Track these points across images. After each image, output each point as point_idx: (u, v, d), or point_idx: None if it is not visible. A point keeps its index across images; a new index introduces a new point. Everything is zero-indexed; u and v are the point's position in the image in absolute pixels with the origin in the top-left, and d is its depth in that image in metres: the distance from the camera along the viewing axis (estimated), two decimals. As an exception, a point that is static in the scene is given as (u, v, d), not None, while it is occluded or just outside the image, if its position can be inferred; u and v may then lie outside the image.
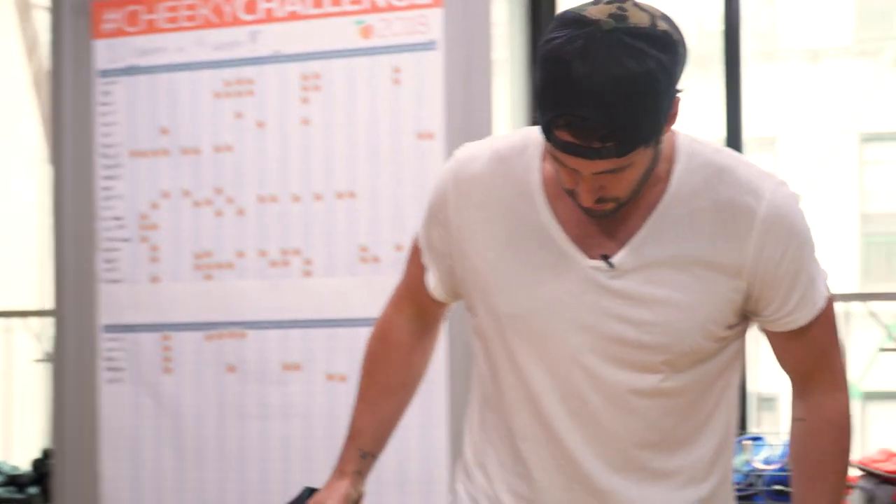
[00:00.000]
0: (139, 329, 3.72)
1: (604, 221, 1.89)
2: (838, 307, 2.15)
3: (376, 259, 3.58)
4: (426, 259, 2.07)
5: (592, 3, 1.71)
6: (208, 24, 3.65)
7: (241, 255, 3.63)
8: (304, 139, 3.61)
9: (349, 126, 3.58)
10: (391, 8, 3.51)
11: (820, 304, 1.90)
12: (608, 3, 1.70)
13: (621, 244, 1.86)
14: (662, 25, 1.69)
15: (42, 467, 4.14)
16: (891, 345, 3.75)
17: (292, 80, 3.60)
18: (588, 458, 1.93)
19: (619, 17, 1.67)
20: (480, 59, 3.48)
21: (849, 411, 2.01)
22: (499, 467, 2.04)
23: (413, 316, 2.15)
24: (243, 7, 3.65)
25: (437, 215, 2.02)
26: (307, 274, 3.60)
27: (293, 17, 3.59)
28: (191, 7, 3.69)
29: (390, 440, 2.20)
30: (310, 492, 2.22)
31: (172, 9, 3.70)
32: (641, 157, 1.76)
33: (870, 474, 3.40)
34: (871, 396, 9.57)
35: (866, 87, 11.43)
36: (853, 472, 3.39)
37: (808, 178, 10.95)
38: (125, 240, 3.75)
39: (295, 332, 3.62)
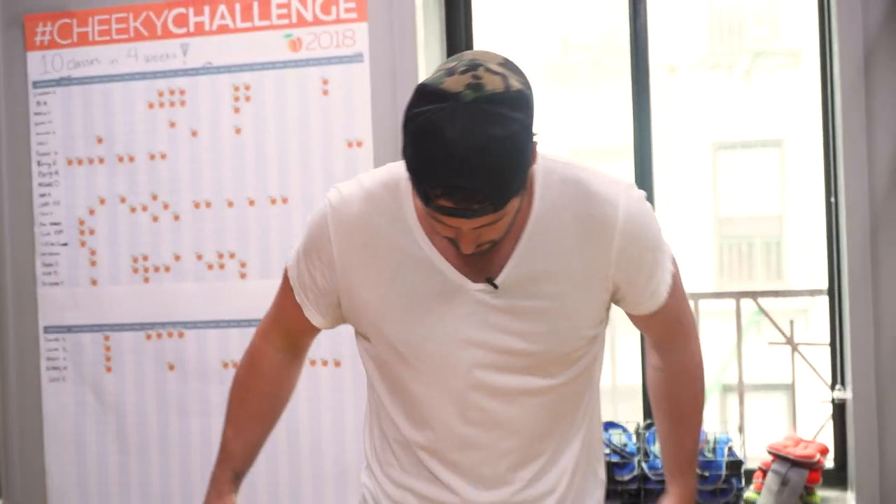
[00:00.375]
0: (79, 330, 3.78)
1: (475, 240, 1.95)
2: (696, 305, 2.36)
3: None
4: (302, 297, 2.11)
5: (447, 74, 1.76)
6: (140, 37, 3.70)
7: (177, 258, 3.70)
8: (236, 147, 3.68)
9: (280, 134, 3.66)
10: (318, 22, 3.59)
11: (669, 282, 2.06)
12: (462, 73, 1.75)
13: (500, 266, 1.95)
14: (515, 84, 1.77)
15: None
16: (777, 339, 3.94)
17: (224, 91, 3.67)
18: (490, 460, 2.05)
19: (476, 87, 1.74)
20: (406, 69, 3.56)
21: (701, 361, 2.19)
22: (401, 473, 2.13)
23: (283, 347, 2.20)
24: (173, 21, 3.71)
25: (319, 257, 2.05)
26: (243, 276, 3.68)
27: (223, 30, 3.65)
28: (122, 21, 3.72)
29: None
30: None
31: (104, 22, 3.72)
32: (513, 204, 1.85)
33: (782, 458, 3.54)
34: (729, 389, 9.89)
35: (719, 98, 11.97)
36: (766, 458, 3.57)
37: (668, 185, 11.38)
38: (63, 244, 3.79)
39: (233, 332, 3.67)
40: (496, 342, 1.99)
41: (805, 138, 10.01)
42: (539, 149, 1.88)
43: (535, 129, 1.81)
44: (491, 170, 1.73)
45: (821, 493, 3.50)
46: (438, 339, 2.00)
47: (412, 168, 1.78)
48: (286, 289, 2.13)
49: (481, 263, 1.97)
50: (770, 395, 8.78)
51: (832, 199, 3.67)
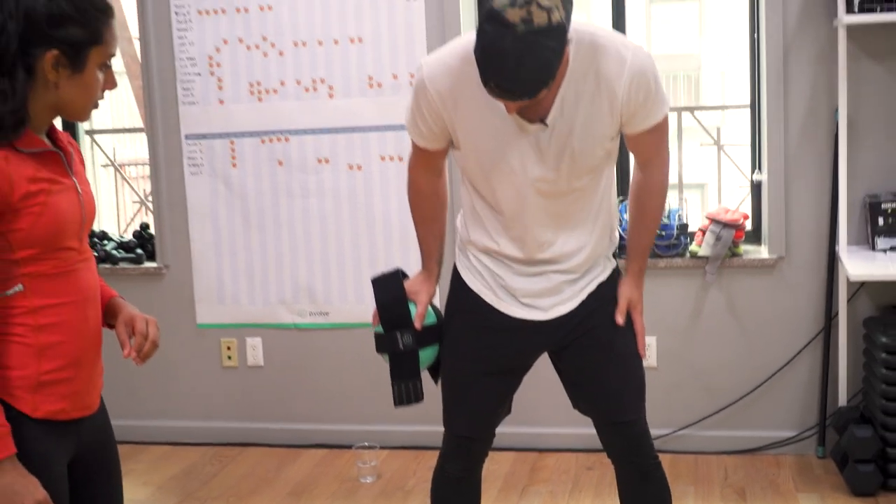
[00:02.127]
0: (211, 137, 4.44)
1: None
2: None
3: (380, 85, 4.27)
4: (419, 138, 2.45)
5: (510, 5, 2.01)
6: None
7: (282, 83, 4.33)
8: (324, 0, 4.26)
9: None
10: None
11: (663, 113, 2.37)
12: (520, 7, 2.01)
13: (547, 111, 2.27)
14: (556, 18, 2.02)
15: (142, 237, 4.70)
16: (706, 141, 4.53)
17: None
18: (536, 234, 2.43)
19: (527, 22, 2.01)
20: None
21: (666, 184, 2.55)
22: (487, 238, 2.50)
23: (424, 170, 2.55)
24: None
25: (428, 111, 2.36)
26: (330, 96, 4.31)
27: None
28: None
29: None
30: (402, 274, 2.61)
31: None
32: (544, 92, 2.14)
33: (716, 222, 4.07)
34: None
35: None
36: (704, 222, 4.12)
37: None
38: (197, 74, 4.40)
39: (324, 137, 4.34)
40: (546, 158, 2.34)
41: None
42: (572, 21, 2.13)
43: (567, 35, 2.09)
44: (527, 81, 2.07)
45: (743, 246, 4.19)
46: (514, 155, 2.34)
47: (478, 65, 2.10)
48: (415, 149, 2.51)
49: (535, 111, 2.28)
50: (701, 190, 9.40)
51: (755, 36, 4.23)
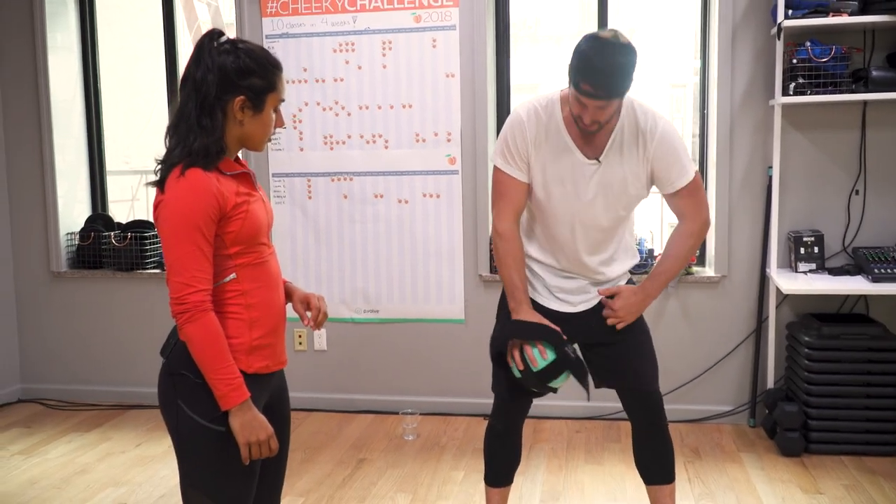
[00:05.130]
0: (293, 175, 4.55)
1: (591, 141, 2.28)
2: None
3: (424, 140, 4.37)
4: (513, 169, 2.38)
5: (602, 33, 2.13)
6: (328, 11, 4.38)
7: (349, 136, 4.45)
8: (383, 75, 4.37)
9: (408, 70, 4.32)
10: (431, 6, 4.25)
11: (689, 178, 2.35)
12: (609, 32, 2.13)
13: (600, 151, 2.32)
14: (633, 44, 2.14)
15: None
16: None
17: (376, 44, 4.34)
18: (578, 251, 2.44)
19: (617, 37, 2.13)
20: (479, 34, 4.26)
21: (703, 233, 2.42)
22: (538, 251, 2.50)
23: (510, 218, 2.42)
24: (348, 3, 4.36)
25: (521, 144, 2.34)
26: (385, 147, 4.41)
27: (376, 9, 4.33)
28: (318, 2, 4.38)
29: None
30: (525, 324, 2.37)
31: (307, 2, 4.40)
32: (617, 101, 2.19)
33: None
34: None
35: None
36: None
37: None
38: (283, 128, 4.09)
39: (379, 178, 4.46)
40: (595, 191, 2.36)
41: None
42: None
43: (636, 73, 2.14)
44: (613, 79, 2.12)
45: (695, 267, 4.31)
46: (569, 187, 2.36)
47: (577, 69, 2.11)
48: (501, 180, 2.40)
49: (592, 151, 2.31)
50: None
51: (704, 112, 4.27)
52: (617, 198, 2.35)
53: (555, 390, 2.41)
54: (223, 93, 1.88)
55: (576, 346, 2.47)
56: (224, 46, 1.90)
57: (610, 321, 2.45)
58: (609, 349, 2.53)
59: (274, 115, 1.97)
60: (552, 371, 2.33)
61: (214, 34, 1.92)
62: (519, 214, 2.44)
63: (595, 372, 2.60)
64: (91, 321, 4.98)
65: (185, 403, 1.90)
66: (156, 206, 1.89)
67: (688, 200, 2.37)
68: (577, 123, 2.23)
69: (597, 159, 2.30)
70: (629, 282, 2.60)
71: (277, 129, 2.04)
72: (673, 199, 2.37)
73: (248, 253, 1.94)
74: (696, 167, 2.45)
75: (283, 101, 1.98)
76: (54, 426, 4.60)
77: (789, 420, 3.79)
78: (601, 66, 2.08)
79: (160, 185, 1.88)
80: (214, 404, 1.88)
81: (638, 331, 2.53)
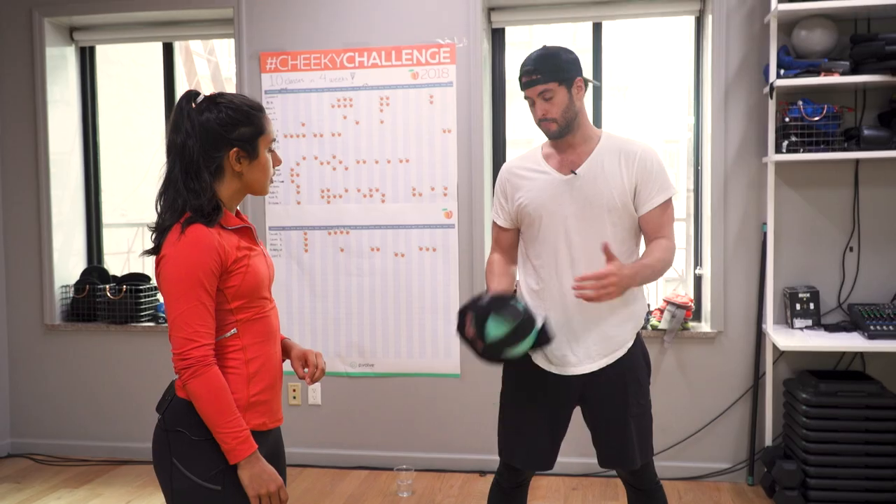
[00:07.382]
0: (290, 229, 4.49)
1: (570, 163, 2.34)
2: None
3: (420, 194, 4.34)
4: (500, 220, 2.52)
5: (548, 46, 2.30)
6: (326, 68, 4.37)
7: (346, 190, 4.40)
8: (380, 131, 4.34)
9: (405, 125, 4.31)
10: (428, 63, 4.27)
11: (666, 197, 2.38)
12: (555, 45, 2.30)
13: (577, 167, 2.37)
14: (571, 51, 2.32)
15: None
16: None
17: (374, 100, 4.33)
18: (569, 275, 2.40)
19: (556, 46, 2.34)
20: (475, 91, 4.30)
21: (669, 249, 2.39)
22: (528, 276, 2.51)
23: (500, 251, 2.58)
24: (346, 59, 4.36)
25: (506, 193, 2.49)
26: (382, 201, 4.38)
27: (375, 66, 4.33)
28: (317, 58, 4.38)
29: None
30: (480, 298, 2.32)
31: (306, 58, 4.39)
32: (559, 93, 2.27)
33: (671, 303, 4.11)
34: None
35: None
36: (661, 304, 4.15)
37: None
38: (281, 181, 4.47)
39: (376, 231, 4.39)
40: (575, 204, 2.39)
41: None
42: (603, 129, 2.39)
43: (581, 75, 2.31)
44: (542, 60, 2.28)
45: (691, 323, 4.31)
46: (551, 208, 2.41)
47: (521, 70, 2.32)
48: (494, 229, 2.57)
49: (569, 168, 2.38)
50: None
51: (698, 168, 4.29)
52: (602, 207, 2.35)
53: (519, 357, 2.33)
54: (215, 150, 1.88)
55: (545, 317, 2.39)
56: (202, 105, 1.90)
57: (580, 294, 2.24)
58: (598, 419, 2.52)
59: (269, 156, 1.97)
60: (505, 342, 2.23)
61: (191, 95, 1.92)
62: (509, 253, 2.55)
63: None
64: (84, 374, 4.94)
65: (181, 462, 1.88)
66: (157, 263, 1.89)
67: (664, 218, 2.38)
68: (540, 127, 2.35)
69: (572, 172, 2.35)
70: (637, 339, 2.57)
71: (276, 170, 2.00)
72: (650, 215, 2.36)
73: (249, 308, 1.93)
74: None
75: (274, 140, 1.98)
76: (44, 482, 4.54)
77: (788, 478, 3.76)
78: (532, 55, 2.28)
79: (156, 252, 1.89)
80: (210, 463, 1.86)
81: (634, 405, 2.50)
